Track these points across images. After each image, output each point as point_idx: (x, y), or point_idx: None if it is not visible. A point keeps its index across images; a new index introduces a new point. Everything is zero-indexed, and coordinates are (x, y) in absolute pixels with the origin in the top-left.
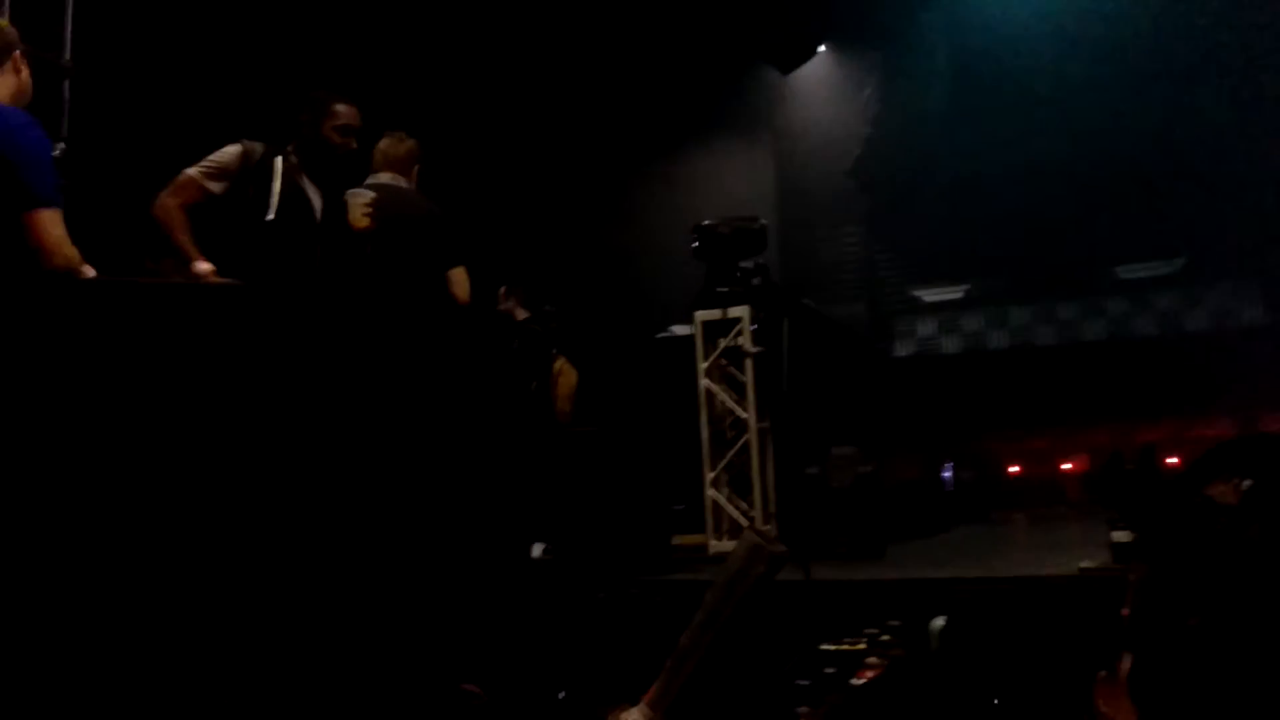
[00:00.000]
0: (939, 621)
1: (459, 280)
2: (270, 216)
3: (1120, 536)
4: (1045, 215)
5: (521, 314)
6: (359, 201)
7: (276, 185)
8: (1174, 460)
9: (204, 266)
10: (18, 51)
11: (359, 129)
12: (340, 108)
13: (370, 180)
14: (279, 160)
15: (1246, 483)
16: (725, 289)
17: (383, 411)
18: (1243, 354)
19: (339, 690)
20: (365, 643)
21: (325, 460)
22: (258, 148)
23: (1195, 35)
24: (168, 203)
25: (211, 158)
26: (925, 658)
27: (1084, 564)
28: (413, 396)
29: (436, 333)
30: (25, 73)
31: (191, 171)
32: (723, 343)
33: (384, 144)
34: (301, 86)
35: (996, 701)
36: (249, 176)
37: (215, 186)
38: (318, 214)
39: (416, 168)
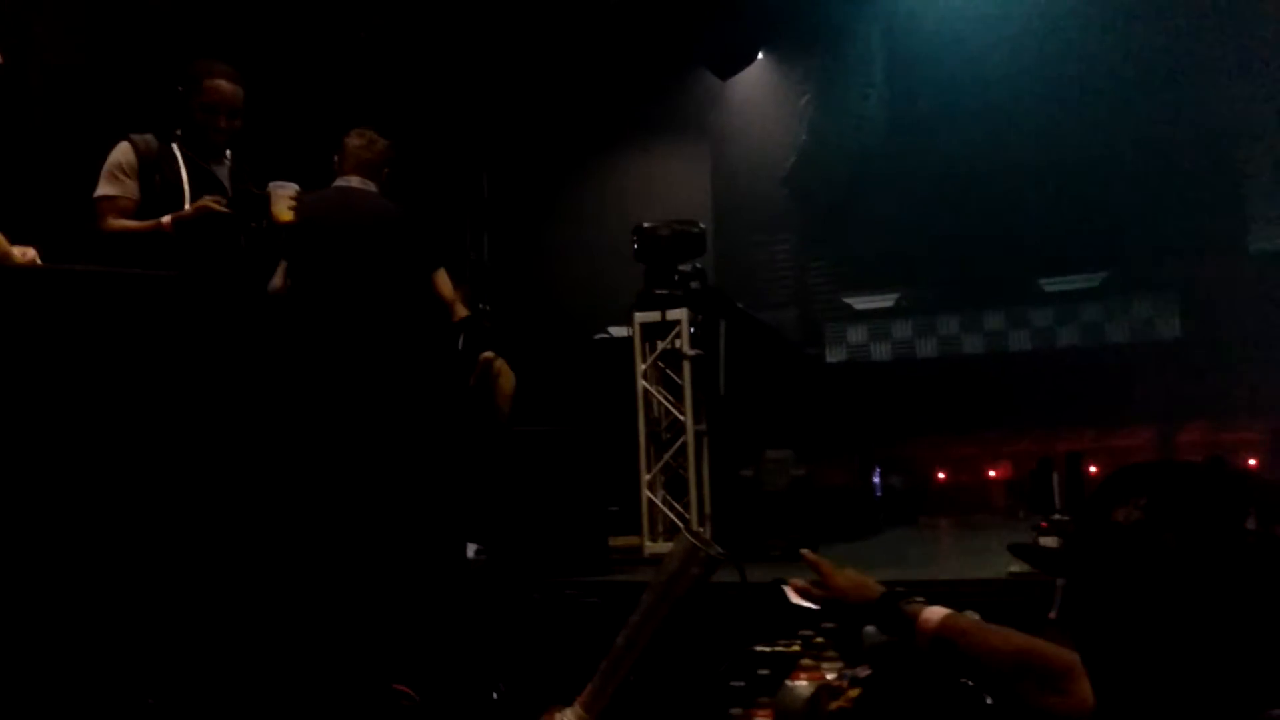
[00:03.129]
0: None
1: (443, 282)
2: (187, 207)
3: (1048, 542)
4: (974, 227)
5: (462, 312)
6: (284, 194)
7: (184, 173)
8: (1094, 469)
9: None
10: None
11: (235, 107)
12: (210, 84)
13: (339, 182)
14: (175, 145)
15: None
16: (664, 291)
17: (316, 409)
18: (1161, 366)
19: (268, 690)
20: (295, 642)
21: (255, 456)
22: (148, 138)
23: (1125, 53)
24: (103, 227)
25: (106, 167)
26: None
27: (1012, 568)
28: (349, 396)
29: (380, 333)
30: None
31: (98, 192)
32: (661, 345)
33: (355, 144)
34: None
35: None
36: (151, 167)
37: (129, 188)
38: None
39: (386, 170)
